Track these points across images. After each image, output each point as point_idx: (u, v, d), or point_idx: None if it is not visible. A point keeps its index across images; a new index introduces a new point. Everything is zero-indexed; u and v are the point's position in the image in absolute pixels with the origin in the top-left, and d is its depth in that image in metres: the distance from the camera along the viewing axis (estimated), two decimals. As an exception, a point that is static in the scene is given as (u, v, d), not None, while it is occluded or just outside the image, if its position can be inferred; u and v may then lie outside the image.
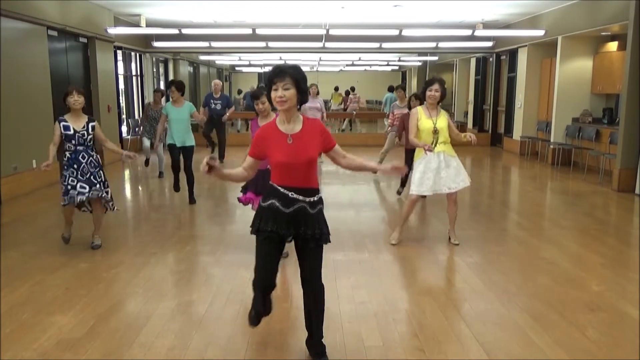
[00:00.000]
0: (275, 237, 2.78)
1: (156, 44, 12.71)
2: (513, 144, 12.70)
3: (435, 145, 4.91)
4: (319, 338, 2.95)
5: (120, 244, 5.25)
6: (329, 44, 12.45)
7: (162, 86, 14.50)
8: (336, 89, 20.21)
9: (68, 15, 8.96)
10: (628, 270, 4.61)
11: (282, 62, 19.29)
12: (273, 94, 2.69)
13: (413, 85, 22.59)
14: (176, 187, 7.20)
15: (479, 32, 11.71)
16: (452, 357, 3.04)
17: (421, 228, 6.15)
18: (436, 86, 4.89)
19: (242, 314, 3.28)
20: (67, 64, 9.29)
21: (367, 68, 23.64)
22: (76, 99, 4.74)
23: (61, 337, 3.25)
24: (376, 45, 13.02)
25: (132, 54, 13.37)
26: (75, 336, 3.26)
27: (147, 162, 9.54)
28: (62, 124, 4.75)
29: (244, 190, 4.72)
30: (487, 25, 12.26)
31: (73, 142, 4.76)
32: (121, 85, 12.65)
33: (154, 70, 15.01)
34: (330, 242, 2.88)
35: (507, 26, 12.79)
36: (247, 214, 5.09)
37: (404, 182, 7.23)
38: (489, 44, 12.85)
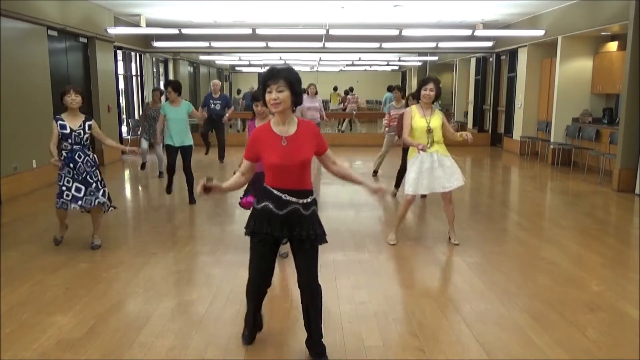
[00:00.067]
0: (270, 239, 2.80)
1: (156, 44, 12.71)
2: (513, 144, 12.70)
3: (431, 145, 4.91)
4: (319, 338, 2.95)
5: (120, 244, 5.25)
6: (329, 44, 12.45)
7: (161, 86, 14.48)
8: (335, 89, 20.22)
9: (68, 15, 8.96)
10: (628, 270, 4.62)
11: (282, 62, 19.35)
12: (267, 96, 2.69)
13: (413, 85, 22.58)
14: (168, 190, 7.15)
15: (479, 32, 11.71)
16: (452, 357, 3.04)
17: (421, 228, 6.15)
18: (431, 85, 4.89)
19: (242, 314, 3.28)
20: (67, 64, 9.29)
21: (367, 68, 23.65)
22: (73, 98, 4.74)
23: (61, 337, 3.25)
24: (376, 45, 13.02)
25: (132, 54, 13.38)
26: (75, 336, 3.26)
27: (143, 166, 9.39)
28: (58, 122, 4.76)
29: (245, 193, 4.72)
30: (487, 25, 12.26)
31: (69, 141, 4.76)
32: (121, 85, 12.66)
33: (154, 70, 15.01)
34: (327, 242, 2.89)
35: (507, 26, 12.80)
36: (246, 214, 5.06)
37: (398, 183, 7.22)
38: (489, 44, 12.85)
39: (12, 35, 7.39)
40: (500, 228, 6.13)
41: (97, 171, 4.90)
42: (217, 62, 20.35)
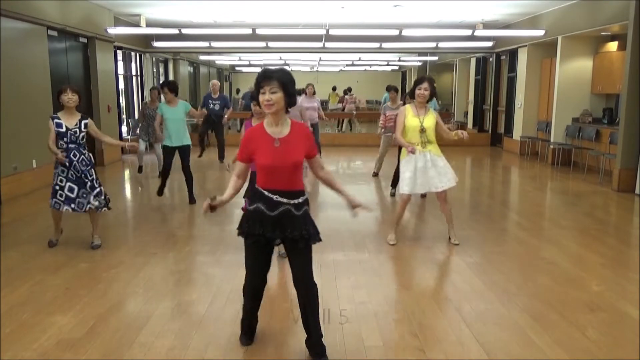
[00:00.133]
0: (262, 240, 2.82)
1: (156, 44, 12.71)
2: (513, 144, 12.70)
3: (424, 146, 4.91)
4: (318, 338, 2.95)
5: (120, 244, 5.25)
6: (329, 44, 12.45)
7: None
8: (334, 88, 20.25)
9: (68, 15, 8.96)
10: (628, 270, 4.62)
11: (282, 62, 19.31)
12: (261, 97, 2.71)
13: (413, 85, 22.57)
14: (160, 192, 7.08)
15: (479, 32, 11.71)
16: (452, 357, 3.04)
17: (421, 228, 6.15)
18: (425, 85, 4.90)
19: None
20: (67, 64, 9.29)
21: (367, 68, 23.66)
22: (70, 97, 4.74)
23: (61, 337, 3.25)
24: (376, 45, 13.02)
25: (132, 54, 13.38)
26: (75, 336, 3.26)
27: (140, 169, 9.25)
28: (55, 121, 4.77)
29: (246, 195, 4.70)
30: (487, 25, 12.26)
31: (65, 139, 4.76)
32: (121, 85, 12.66)
33: (154, 70, 15.01)
34: (320, 240, 2.91)
35: (507, 26, 12.80)
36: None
37: (395, 182, 7.22)
38: (489, 44, 12.85)
39: (12, 35, 7.39)
40: (500, 228, 6.13)
41: (93, 170, 4.90)
42: (217, 62, 20.36)
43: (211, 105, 10.27)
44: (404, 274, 4.65)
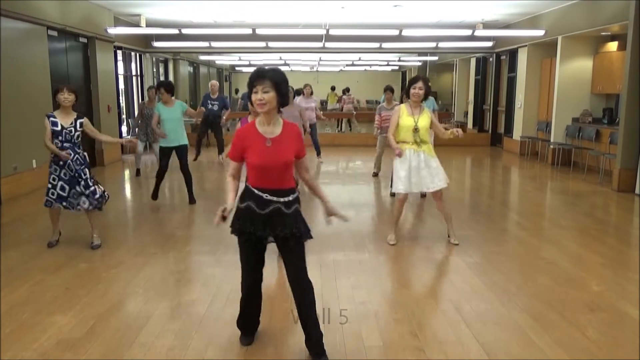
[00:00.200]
0: (253, 238, 2.83)
1: (156, 44, 12.71)
2: (513, 144, 12.70)
3: (418, 145, 4.92)
4: (318, 339, 2.95)
5: (120, 244, 5.25)
6: (329, 44, 12.45)
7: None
8: (332, 88, 20.27)
9: (68, 15, 8.96)
10: (628, 270, 4.62)
11: (282, 62, 19.29)
12: (253, 97, 2.73)
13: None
14: (154, 195, 7.01)
15: (479, 32, 11.71)
16: (452, 357, 3.04)
17: (421, 228, 6.15)
18: (420, 84, 4.91)
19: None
20: (67, 64, 9.29)
21: (367, 68, 23.64)
22: (66, 97, 4.75)
23: (61, 337, 3.25)
24: (376, 45, 13.02)
25: (132, 54, 13.37)
26: (75, 336, 3.26)
27: (138, 172, 9.21)
28: (50, 119, 4.78)
29: None
30: (487, 25, 12.25)
31: (60, 138, 4.77)
32: (121, 85, 12.65)
33: (154, 70, 15.01)
34: (312, 237, 2.92)
35: (507, 26, 12.79)
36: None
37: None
38: (489, 44, 12.85)
39: (12, 35, 7.39)
40: (500, 228, 6.13)
41: (87, 169, 4.90)
42: (217, 62, 20.35)
43: (210, 106, 10.27)
44: (404, 274, 4.65)
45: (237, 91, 21.03)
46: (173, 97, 6.83)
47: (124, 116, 12.86)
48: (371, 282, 4.25)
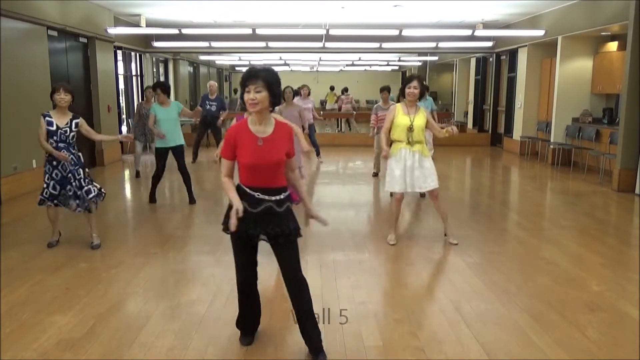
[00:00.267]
0: (244, 236, 2.84)
1: (156, 44, 12.71)
2: (513, 144, 12.70)
3: (412, 145, 4.94)
4: (316, 336, 2.96)
5: (120, 244, 5.25)
6: (329, 44, 12.45)
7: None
8: (332, 88, 20.27)
9: (68, 15, 8.96)
10: (628, 270, 4.61)
11: (282, 62, 19.26)
12: (245, 96, 2.73)
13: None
14: (152, 198, 6.98)
15: (479, 32, 11.71)
16: (452, 357, 3.04)
17: (421, 228, 6.14)
18: (415, 83, 4.92)
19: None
20: (67, 64, 9.28)
21: (367, 68, 23.65)
22: (62, 97, 4.76)
23: (61, 337, 3.25)
24: (376, 45, 13.02)
25: (132, 54, 13.38)
26: (75, 336, 3.26)
27: (137, 174, 9.14)
28: (46, 119, 4.78)
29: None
30: (487, 25, 12.25)
31: (55, 138, 4.77)
32: (121, 85, 12.65)
33: (154, 70, 15.01)
34: (301, 236, 2.93)
35: (507, 26, 12.79)
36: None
37: None
38: (489, 44, 12.85)
39: (12, 35, 7.39)
40: (500, 228, 6.13)
41: (81, 170, 4.89)
42: (217, 62, 20.36)
43: (208, 106, 10.28)
44: (404, 274, 4.64)
45: (236, 91, 21.02)
46: (169, 98, 6.84)
47: (124, 116, 12.85)
48: (371, 282, 4.25)
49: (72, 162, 4.84)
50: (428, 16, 11.61)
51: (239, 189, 2.85)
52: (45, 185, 4.84)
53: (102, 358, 3.02)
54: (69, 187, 4.83)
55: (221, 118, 10.36)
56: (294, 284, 2.93)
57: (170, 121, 6.73)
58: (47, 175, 4.84)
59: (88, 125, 5.06)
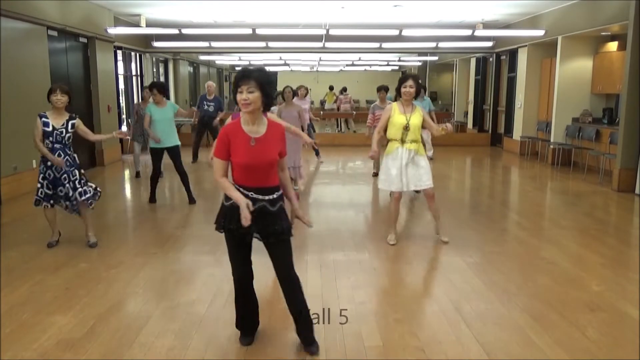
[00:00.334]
0: (237, 234, 2.85)
1: (156, 44, 12.71)
2: (513, 144, 12.70)
3: (406, 142, 4.96)
4: (309, 328, 3.02)
5: (120, 244, 5.25)
6: (329, 44, 12.45)
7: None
8: (331, 88, 20.28)
9: (68, 15, 8.96)
10: (628, 270, 4.61)
11: (282, 62, 19.24)
12: (238, 97, 2.75)
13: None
14: (152, 199, 6.98)
15: (479, 32, 11.71)
16: (452, 357, 3.04)
17: (421, 227, 6.14)
18: (410, 82, 4.94)
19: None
20: (67, 64, 9.28)
21: (367, 68, 23.64)
22: (59, 98, 4.76)
23: (61, 337, 3.26)
24: (376, 45, 13.02)
25: (132, 54, 13.37)
26: (75, 336, 3.26)
27: (137, 174, 9.11)
28: (42, 119, 4.78)
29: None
30: (487, 25, 12.25)
31: (50, 139, 4.77)
32: (121, 85, 12.65)
33: (154, 70, 15.01)
34: (292, 235, 2.95)
35: (507, 26, 12.79)
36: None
37: None
38: (489, 44, 12.84)
39: (12, 35, 7.39)
40: (500, 228, 6.12)
41: (76, 171, 4.88)
42: (217, 62, 20.36)
43: (205, 107, 10.27)
44: (404, 274, 4.64)
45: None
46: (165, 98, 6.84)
47: (123, 116, 12.86)
48: (371, 282, 4.25)
49: (68, 163, 4.83)
50: (428, 16, 11.61)
51: None
52: (39, 185, 4.84)
53: (102, 358, 3.02)
54: (60, 188, 4.83)
55: (218, 118, 10.35)
56: (287, 282, 2.97)
57: (166, 121, 6.73)
58: (41, 175, 4.83)
59: (85, 126, 5.04)
